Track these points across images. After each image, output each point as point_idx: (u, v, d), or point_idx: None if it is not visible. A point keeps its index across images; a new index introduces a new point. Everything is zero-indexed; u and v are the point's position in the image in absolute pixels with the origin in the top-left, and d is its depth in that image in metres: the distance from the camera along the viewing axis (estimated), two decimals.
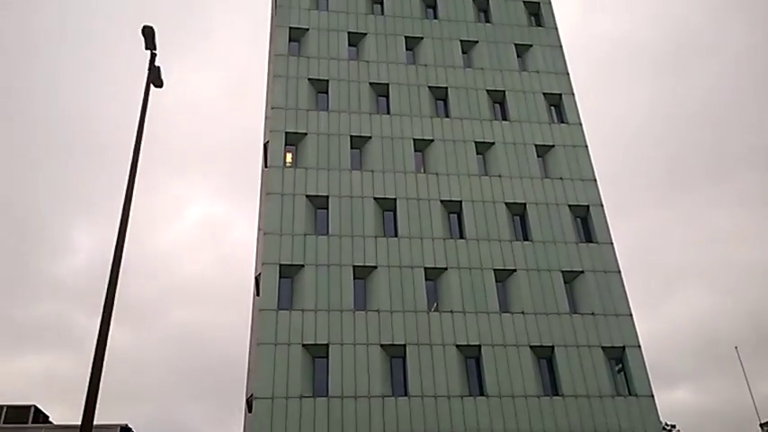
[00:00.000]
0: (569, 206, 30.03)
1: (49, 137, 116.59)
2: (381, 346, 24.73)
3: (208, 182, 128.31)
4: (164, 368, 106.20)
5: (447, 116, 32.08)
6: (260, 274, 26.27)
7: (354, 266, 26.57)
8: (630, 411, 24.42)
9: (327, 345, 24.41)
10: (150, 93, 13.57)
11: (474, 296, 26.48)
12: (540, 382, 25.12)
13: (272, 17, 39.17)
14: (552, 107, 33.94)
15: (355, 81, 32.18)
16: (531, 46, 35.41)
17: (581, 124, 32.95)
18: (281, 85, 31.22)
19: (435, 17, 35.77)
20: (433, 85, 32.85)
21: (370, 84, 32.30)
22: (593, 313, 26.77)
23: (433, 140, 30.98)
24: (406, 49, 34.38)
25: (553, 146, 31.93)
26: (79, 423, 9.08)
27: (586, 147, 32.22)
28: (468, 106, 32.42)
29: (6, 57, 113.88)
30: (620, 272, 28.22)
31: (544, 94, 33.69)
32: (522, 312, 26.35)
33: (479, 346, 25.21)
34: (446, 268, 27.14)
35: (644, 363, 25.75)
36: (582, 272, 28.00)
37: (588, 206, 30.20)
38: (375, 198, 28.62)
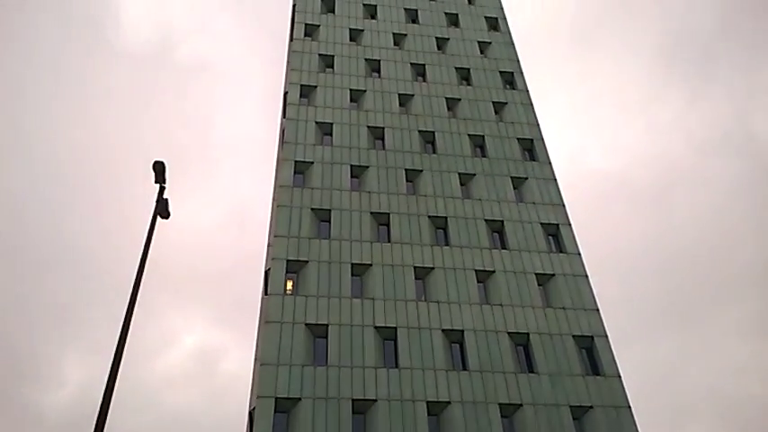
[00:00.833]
0: (573, 336, 29.48)
1: (50, 259, 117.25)
2: None
3: (205, 311, 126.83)
4: None
5: (447, 245, 32.54)
6: (254, 408, 25.10)
7: (353, 400, 25.49)
8: None
9: None
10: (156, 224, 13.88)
11: None
12: None
13: (278, 151, 41.14)
14: (550, 237, 34.54)
15: (357, 210, 33.04)
16: (527, 179, 36.82)
17: (580, 254, 33.31)
18: (284, 214, 32.01)
19: (434, 151, 37.57)
20: (432, 215, 33.69)
21: (372, 213, 33.14)
22: None
23: (433, 268, 31.15)
24: (407, 180, 35.73)
25: (553, 275, 32.04)
26: None
27: (587, 276, 32.31)
28: (468, 235, 33.01)
29: (11, 186, 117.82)
30: (630, 407, 27.01)
31: (542, 224, 34.46)
32: None
33: None
34: (449, 402, 26.01)
35: None
36: (591, 407, 26.79)
37: (592, 336, 29.63)
38: (375, 327, 28.18)
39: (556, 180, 37.13)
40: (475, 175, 36.39)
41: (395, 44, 44.51)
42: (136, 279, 12.47)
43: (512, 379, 27.23)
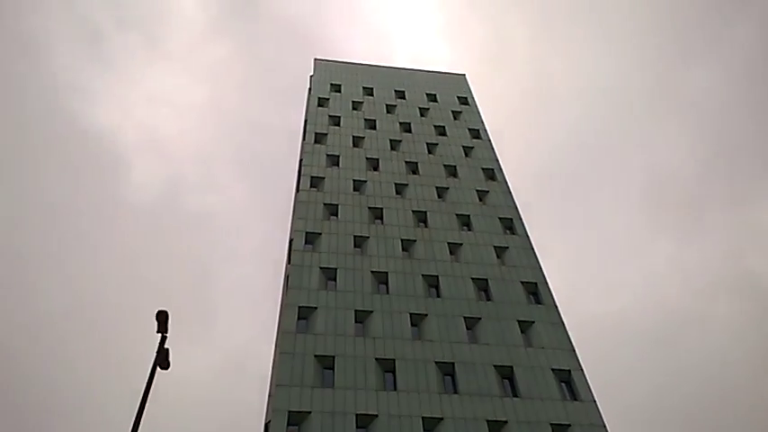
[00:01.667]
0: None
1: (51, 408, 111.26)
2: None
3: None
4: None
5: (456, 392, 31.14)
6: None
7: None
8: None
9: None
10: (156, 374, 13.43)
11: None
12: None
13: (282, 297, 41.00)
14: (563, 383, 33.17)
15: (362, 357, 32.10)
16: (534, 322, 36.26)
17: (595, 401, 31.74)
18: (286, 361, 31.05)
19: (438, 295, 37.44)
20: (439, 360, 32.65)
21: (377, 359, 32.16)
22: None
23: (442, 419, 29.48)
24: (412, 324, 35.16)
25: (569, 425, 30.25)
26: None
27: (605, 426, 30.48)
28: (477, 382, 31.72)
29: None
30: None
31: (553, 369, 33.29)
32: None
33: None
34: None
35: None
36: None
37: None
38: None
39: (564, 324, 36.54)
40: (481, 318, 35.91)
41: (396, 193, 46.41)
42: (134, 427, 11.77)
43: None
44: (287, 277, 40.20)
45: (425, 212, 44.31)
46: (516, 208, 46.14)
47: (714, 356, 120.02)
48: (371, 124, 55.20)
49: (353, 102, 58.41)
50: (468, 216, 44.55)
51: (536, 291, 39.09)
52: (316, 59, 66.83)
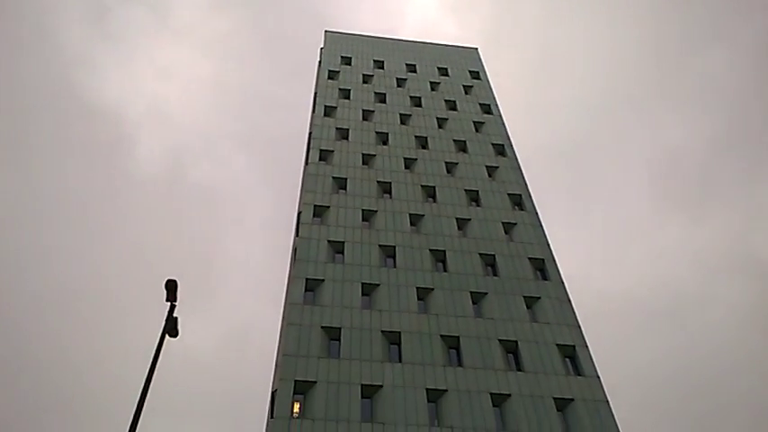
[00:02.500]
0: None
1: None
2: None
3: None
4: None
5: (460, 365, 31.46)
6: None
7: None
8: None
9: None
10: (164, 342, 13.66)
11: None
12: None
13: (289, 269, 41.34)
14: (567, 358, 33.38)
15: (368, 329, 32.43)
16: (540, 298, 36.36)
17: (599, 377, 31.96)
18: (293, 332, 31.45)
19: (445, 270, 37.57)
20: (444, 334, 32.93)
21: (383, 332, 32.48)
22: None
23: (446, 390, 29.86)
24: (418, 298, 35.38)
25: (572, 399, 30.53)
26: None
27: (607, 402, 30.74)
28: (482, 356, 32.00)
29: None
30: None
31: (557, 345, 33.48)
32: None
33: None
34: None
35: None
36: None
37: None
38: None
39: (570, 301, 36.61)
40: (487, 293, 36.05)
41: (405, 167, 46.28)
42: (139, 402, 12.01)
43: None
44: (295, 250, 40.47)
45: (434, 187, 44.22)
46: (525, 184, 45.92)
47: (718, 336, 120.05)
48: (381, 98, 54.80)
49: (364, 75, 57.93)
50: (477, 192, 44.42)
51: (543, 267, 39.11)
52: (326, 31, 66.13)
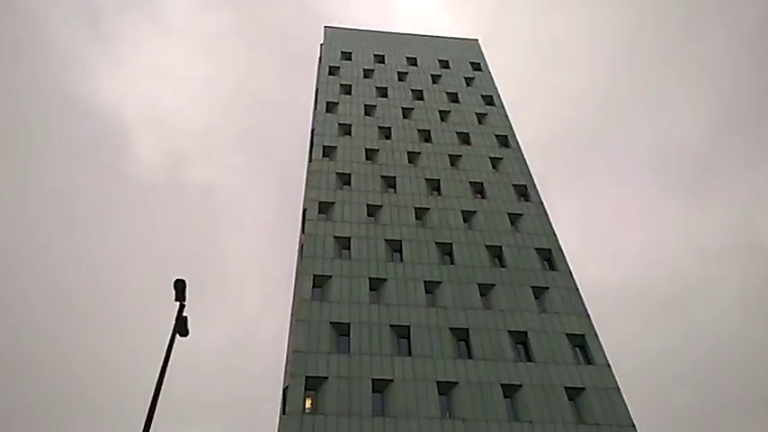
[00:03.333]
0: None
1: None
2: None
3: None
4: None
5: (470, 357, 31.49)
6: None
7: None
8: None
9: None
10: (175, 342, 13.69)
11: None
12: None
13: (296, 266, 41.40)
14: (577, 348, 33.38)
15: (376, 323, 32.48)
16: (548, 288, 36.33)
17: (609, 366, 31.95)
18: (303, 329, 31.52)
19: (452, 263, 37.56)
20: (453, 327, 32.95)
21: (391, 326, 32.53)
22: None
23: (457, 383, 29.91)
24: (426, 292, 35.41)
25: (583, 388, 30.55)
26: None
27: (619, 389, 30.74)
28: (492, 347, 32.02)
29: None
30: None
31: (567, 334, 33.46)
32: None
33: None
34: None
35: None
36: None
37: None
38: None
39: (578, 289, 36.57)
40: (495, 285, 36.04)
41: (409, 161, 46.22)
42: (152, 402, 12.03)
43: None
44: (301, 246, 40.51)
45: (438, 180, 44.17)
46: (530, 175, 45.82)
47: (722, 322, 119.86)
48: (383, 92, 54.71)
49: (365, 70, 57.83)
50: (482, 183, 44.34)
51: (550, 257, 39.06)
52: (326, 27, 65.98)
